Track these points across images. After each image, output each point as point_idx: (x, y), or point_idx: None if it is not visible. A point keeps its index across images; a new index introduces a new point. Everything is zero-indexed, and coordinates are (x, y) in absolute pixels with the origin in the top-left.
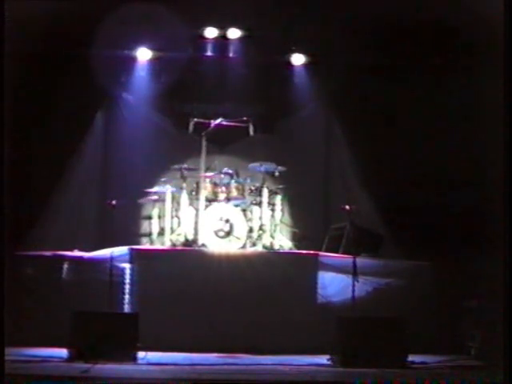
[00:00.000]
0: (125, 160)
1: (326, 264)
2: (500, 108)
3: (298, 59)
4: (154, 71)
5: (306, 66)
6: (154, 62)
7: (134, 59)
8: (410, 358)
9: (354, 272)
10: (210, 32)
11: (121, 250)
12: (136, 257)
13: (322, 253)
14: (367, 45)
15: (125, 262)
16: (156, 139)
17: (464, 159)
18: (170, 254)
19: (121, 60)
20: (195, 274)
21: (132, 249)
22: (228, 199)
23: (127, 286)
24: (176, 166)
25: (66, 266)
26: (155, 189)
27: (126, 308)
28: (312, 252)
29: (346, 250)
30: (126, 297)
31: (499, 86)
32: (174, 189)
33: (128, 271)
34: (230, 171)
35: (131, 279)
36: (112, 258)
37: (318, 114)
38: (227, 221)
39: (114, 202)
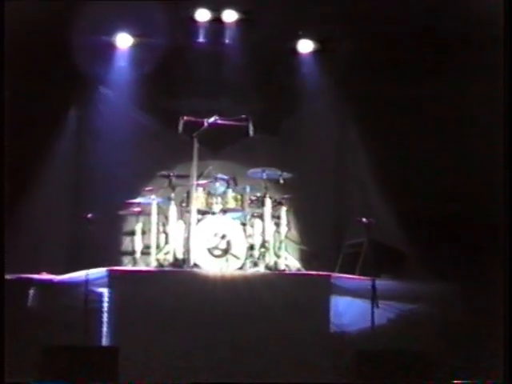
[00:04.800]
0: (102, 165)
1: (340, 287)
2: None
3: (305, 46)
4: (136, 61)
5: (314, 53)
6: (135, 50)
7: (112, 46)
8: None
9: (374, 296)
10: (202, 14)
11: (98, 272)
12: (116, 280)
13: (335, 274)
14: (382, 31)
15: (103, 286)
16: (139, 141)
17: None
18: (157, 277)
19: (97, 47)
20: (186, 300)
21: (111, 270)
22: (224, 211)
23: (105, 315)
24: (163, 173)
25: (32, 291)
26: (139, 199)
27: (105, 341)
28: (324, 273)
29: (363, 270)
30: (104, 327)
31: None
32: (161, 199)
33: (106, 297)
34: (227, 178)
35: (110, 306)
36: (87, 282)
37: (330, 110)
38: (223, 237)
39: (89, 216)
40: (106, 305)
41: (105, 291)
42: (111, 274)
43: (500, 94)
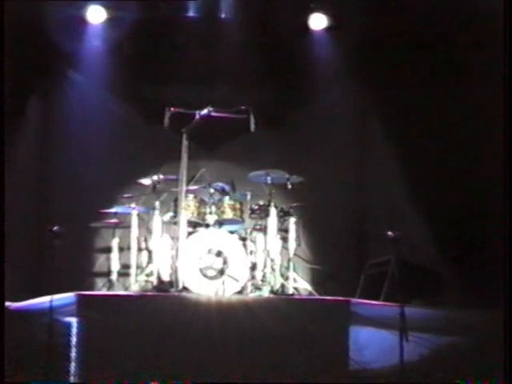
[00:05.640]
0: (71, 167)
1: (361, 315)
2: None
3: (318, 21)
4: (111, 39)
5: (329, 30)
6: (112, 26)
7: (83, 21)
8: None
9: (403, 327)
10: None
11: (65, 298)
12: (87, 307)
13: (355, 299)
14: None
15: (71, 314)
16: (116, 137)
17: None
18: (137, 303)
19: (64, 22)
20: (173, 331)
21: (81, 295)
22: (220, 223)
23: (74, 349)
24: (145, 176)
25: None
26: (115, 209)
27: (73, 380)
28: (341, 298)
29: (390, 295)
30: (72, 365)
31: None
32: (143, 209)
33: (75, 328)
34: (223, 183)
35: (79, 339)
36: (52, 309)
37: (347, 100)
38: (219, 254)
39: (55, 228)
40: (73, 337)
41: (73, 321)
42: (81, 299)
43: None
